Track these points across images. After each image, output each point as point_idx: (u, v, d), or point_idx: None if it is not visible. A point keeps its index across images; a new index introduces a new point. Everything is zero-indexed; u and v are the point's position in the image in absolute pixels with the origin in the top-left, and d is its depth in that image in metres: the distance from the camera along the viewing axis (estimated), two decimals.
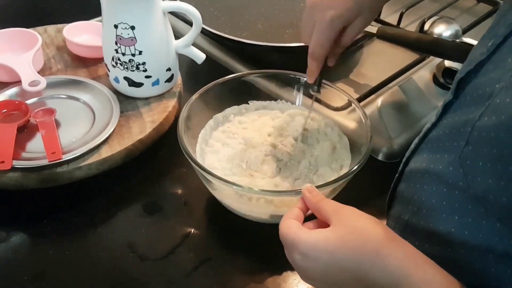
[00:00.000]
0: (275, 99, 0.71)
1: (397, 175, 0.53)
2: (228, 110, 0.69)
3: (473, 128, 0.38)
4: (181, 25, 0.88)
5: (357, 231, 0.40)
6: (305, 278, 0.43)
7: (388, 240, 0.40)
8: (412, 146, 0.50)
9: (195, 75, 0.84)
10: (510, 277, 0.37)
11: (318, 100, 0.69)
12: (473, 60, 0.43)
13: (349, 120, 0.66)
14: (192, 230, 0.61)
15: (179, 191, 0.65)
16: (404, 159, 0.52)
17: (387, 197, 0.55)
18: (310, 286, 0.54)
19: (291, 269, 0.54)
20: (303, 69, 0.66)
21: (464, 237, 0.39)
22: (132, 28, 0.64)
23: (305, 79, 0.67)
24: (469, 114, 0.40)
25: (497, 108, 0.36)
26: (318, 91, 0.65)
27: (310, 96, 0.70)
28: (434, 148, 0.45)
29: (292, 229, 0.42)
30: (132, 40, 0.65)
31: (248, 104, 0.70)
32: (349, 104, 0.65)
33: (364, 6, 0.58)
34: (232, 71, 0.78)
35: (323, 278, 0.41)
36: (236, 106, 0.69)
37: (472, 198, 0.39)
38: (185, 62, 0.82)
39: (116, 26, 0.65)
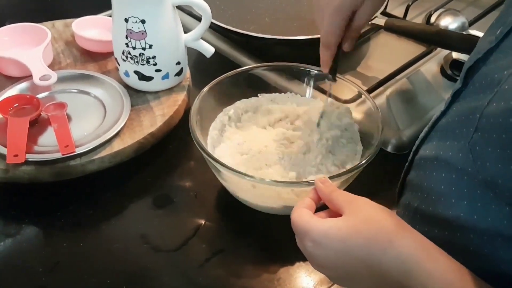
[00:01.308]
0: (284, 92, 0.71)
1: (407, 163, 0.53)
2: (238, 103, 0.69)
3: (482, 114, 0.39)
4: (188, 19, 0.89)
5: (370, 220, 0.41)
6: (317, 266, 0.44)
7: (400, 230, 0.40)
8: (422, 134, 0.51)
9: (203, 69, 0.84)
10: None
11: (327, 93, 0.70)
12: (482, 49, 0.43)
13: (358, 112, 0.66)
14: (204, 222, 0.61)
15: (190, 184, 0.66)
16: (414, 148, 0.52)
17: (398, 186, 0.55)
18: (322, 275, 0.55)
19: (303, 259, 0.55)
20: (311, 62, 0.67)
21: (472, 221, 0.40)
22: (143, 22, 0.65)
23: (315, 71, 0.68)
24: (478, 101, 0.40)
25: (505, 94, 0.37)
26: (334, 80, 0.64)
27: (320, 89, 0.70)
28: (443, 135, 0.46)
29: (304, 217, 0.43)
30: (142, 33, 0.66)
31: (258, 97, 0.70)
32: (358, 96, 0.66)
33: None
34: (239, 65, 0.78)
35: (334, 266, 0.42)
36: (245, 99, 0.69)
37: (481, 183, 0.39)
38: (193, 56, 0.82)
39: (126, 20, 0.65)
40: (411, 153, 0.52)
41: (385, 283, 0.40)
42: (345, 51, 0.62)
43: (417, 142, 0.52)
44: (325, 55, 0.61)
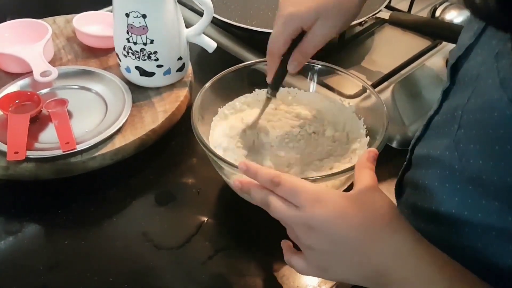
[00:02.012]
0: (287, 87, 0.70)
1: (405, 163, 0.53)
2: (240, 98, 0.68)
3: (463, 111, 0.40)
4: (189, 14, 0.88)
5: (368, 197, 0.42)
6: (313, 265, 0.44)
7: (399, 216, 0.41)
8: (417, 133, 0.51)
9: (205, 64, 0.83)
10: (510, 252, 0.38)
11: (331, 88, 0.69)
12: (462, 45, 0.44)
13: (363, 108, 0.65)
14: (206, 219, 0.60)
15: (192, 180, 0.65)
16: (410, 147, 0.52)
17: (395, 185, 0.55)
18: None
19: None
20: (314, 56, 0.66)
21: (464, 217, 0.40)
22: (144, 16, 0.64)
23: (318, 66, 0.67)
24: (460, 99, 0.41)
25: (481, 90, 0.38)
26: (273, 95, 0.61)
27: (324, 84, 0.69)
28: (435, 134, 0.46)
29: (285, 206, 0.43)
30: (143, 28, 0.65)
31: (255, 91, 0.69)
32: (363, 90, 0.65)
33: (326, 11, 0.54)
34: (242, 60, 0.77)
35: (329, 256, 0.41)
36: (248, 94, 0.69)
37: (468, 180, 0.39)
38: (195, 52, 0.81)
39: (127, 15, 0.64)
40: (409, 152, 0.52)
41: (366, 266, 0.40)
42: (289, 71, 0.59)
43: (413, 141, 0.52)
44: (268, 63, 0.59)
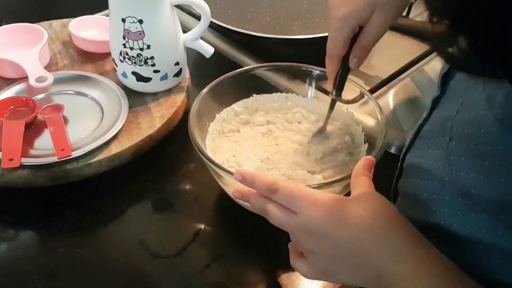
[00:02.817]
0: (286, 92, 0.70)
1: (397, 171, 0.53)
2: (238, 104, 0.68)
3: (453, 123, 0.40)
4: (187, 18, 0.87)
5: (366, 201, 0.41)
6: (316, 269, 0.43)
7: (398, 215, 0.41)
8: (407, 142, 0.51)
9: (202, 69, 0.83)
10: (500, 266, 0.38)
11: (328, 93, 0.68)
12: None
13: (361, 113, 0.65)
14: (204, 226, 0.60)
15: (190, 187, 0.65)
16: (401, 155, 0.52)
17: (392, 194, 0.55)
18: (325, 282, 0.54)
19: None
20: (313, 61, 0.65)
21: (453, 229, 0.40)
22: (140, 21, 0.63)
23: (317, 71, 0.66)
24: (449, 110, 0.41)
25: (469, 104, 0.38)
26: (337, 95, 0.60)
27: (322, 90, 0.69)
28: (426, 143, 0.46)
29: (283, 213, 0.43)
30: (140, 34, 0.64)
31: (253, 96, 0.68)
32: (361, 96, 0.64)
33: (379, 2, 0.54)
34: (240, 65, 0.77)
35: (331, 259, 0.41)
36: (245, 100, 0.68)
37: (458, 192, 0.39)
38: (192, 56, 0.81)
39: (123, 20, 0.64)
40: (400, 160, 0.52)
41: (367, 268, 0.40)
42: (352, 68, 0.59)
43: (403, 150, 0.52)
44: (328, 66, 0.59)
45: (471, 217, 0.38)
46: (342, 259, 0.40)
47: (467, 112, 0.37)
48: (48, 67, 0.75)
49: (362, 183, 0.44)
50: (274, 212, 0.43)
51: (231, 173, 0.51)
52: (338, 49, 0.57)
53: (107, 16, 0.73)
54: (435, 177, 0.42)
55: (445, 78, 0.45)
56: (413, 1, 0.84)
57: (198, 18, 0.71)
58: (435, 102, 0.46)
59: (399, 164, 0.52)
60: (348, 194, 0.56)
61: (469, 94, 0.38)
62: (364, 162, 0.46)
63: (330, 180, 0.54)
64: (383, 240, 0.39)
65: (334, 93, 0.60)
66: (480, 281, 0.38)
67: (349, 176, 0.51)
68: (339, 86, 0.60)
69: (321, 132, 0.62)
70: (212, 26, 0.79)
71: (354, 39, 0.56)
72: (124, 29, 0.65)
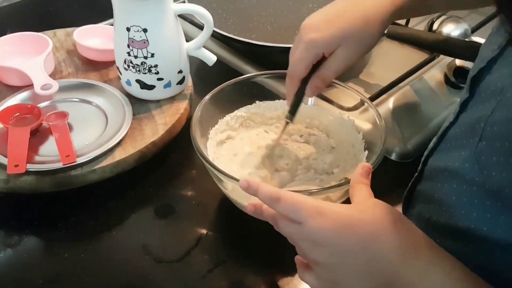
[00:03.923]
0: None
1: (416, 174, 0.53)
2: (239, 111, 0.69)
3: (486, 123, 0.39)
4: (190, 28, 0.89)
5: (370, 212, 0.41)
6: (324, 280, 0.43)
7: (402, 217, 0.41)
8: (431, 145, 0.51)
9: (205, 77, 0.84)
10: None
11: (330, 101, 0.69)
12: (485, 57, 0.43)
13: (361, 120, 0.66)
14: (206, 232, 0.60)
15: (192, 193, 0.65)
16: (423, 158, 0.52)
17: (404, 196, 0.55)
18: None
19: None
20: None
21: (483, 232, 0.39)
22: (145, 30, 0.65)
23: None
24: (482, 111, 0.40)
25: (507, 102, 0.37)
26: (290, 119, 0.60)
27: (322, 97, 0.70)
28: (452, 146, 0.46)
29: (288, 224, 0.43)
30: (144, 42, 0.65)
31: (256, 103, 0.69)
32: (361, 103, 0.65)
33: (347, 37, 0.55)
34: (241, 73, 0.78)
35: (337, 269, 0.41)
36: (247, 106, 0.69)
37: (489, 193, 0.39)
38: (194, 64, 0.82)
39: (128, 29, 0.65)
40: (421, 164, 0.52)
41: (375, 274, 0.39)
42: (306, 96, 0.59)
43: (426, 153, 0.51)
44: (288, 87, 0.60)
45: (501, 220, 0.38)
46: (349, 268, 0.40)
47: (505, 111, 0.37)
48: (52, 75, 0.76)
49: (361, 191, 0.44)
50: (281, 222, 0.44)
51: (233, 179, 0.52)
52: (299, 71, 0.57)
53: (111, 25, 0.75)
54: (463, 180, 0.41)
55: (474, 81, 0.45)
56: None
57: (200, 27, 0.72)
58: (463, 105, 0.46)
59: (419, 168, 0.52)
60: (346, 201, 0.56)
61: (508, 94, 0.37)
62: (361, 170, 0.46)
63: (328, 185, 0.54)
64: (389, 245, 0.39)
65: (287, 116, 0.61)
66: (507, 285, 0.38)
67: (347, 183, 0.52)
68: (293, 108, 0.60)
69: (271, 151, 0.63)
70: (215, 35, 0.80)
71: (317, 64, 0.57)
72: (129, 38, 0.66)
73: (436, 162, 0.48)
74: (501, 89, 0.38)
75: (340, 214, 0.41)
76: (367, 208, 0.41)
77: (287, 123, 0.62)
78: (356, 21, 0.55)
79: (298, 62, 0.57)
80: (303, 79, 0.58)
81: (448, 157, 0.45)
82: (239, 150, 0.64)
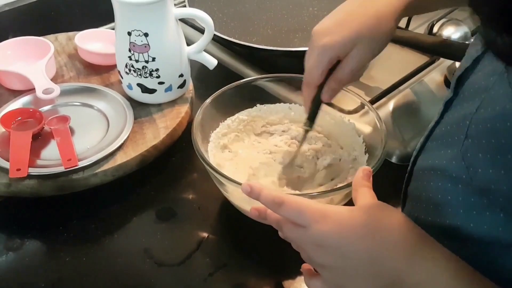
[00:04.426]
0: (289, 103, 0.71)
1: (406, 175, 0.53)
2: (240, 114, 0.69)
3: (471, 121, 0.39)
4: (191, 31, 0.89)
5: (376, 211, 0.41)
6: (330, 285, 0.43)
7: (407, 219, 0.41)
8: (418, 145, 0.51)
9: (206, 81, 0.84)
10: None
11: (331, 104, 0.70)
12: (469, 57, 0.44)
13: (362, 123, 0.66)
14: (207, 235, 0.61)
15: (193, 196, 0.66)
16: (412, 159, 0.52)
17: (401, 198, 0.55)
18: None
19: None
20: None
21: (469, 229, 0.40)
22: (146, 35, 0.65)
23: None
24: (467, 109, 0.41)
25: (492, 100, 0.38)
26: (309, 126, 0.60)
27: None
28: (438, 145, 0.46)
29: (292, 228, 0.43)
30: (145, 47, 0.66)
31: (257, 106, 0.70)
32: (361, 107, 0.65)
33: (361, 38, 0.54)
34: (242, 76, 0.78)
35: (344, 272, 0.41)
36: (248, 110, 0.69)
37: (475, 190, 0.39)
38: (195, 68, 0.82)
39: (129, 33, 0.65)
40: (410, 164, 0.52)
41: (382, 276, 0.39)
42: (323, 100, 0.59)
43: (414, 153, 0.52)
44: (304, 94, 0.59)
45: (486, 216, 0.38)
46: (355, 270, 0.40)
47: (490, 108, 0.37)
48: (54, 79, 0.76)
49: (364, 194, 0.44)
50: (285, 227, 0.44)
51: (234, 182, 0.52)
52: (316, 77, 0.57)
53: (112, 29, 0.75)
54: (449, 178, 0.42)
55: (459, 80, 0.45)
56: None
57: (201, 31, 0.72)
58: (447, 104, 0.46)
59: (408, 169, 0.52)
60: (347, 204, 0.57)
61: (492, 92, 0.38)
62: (362, 173, 0.46)
63: (329, 188, 0.54)
64: (394, 246, 0.39)
65: (306, 124, 0.60)
66: (496, 281, 0.38)
67: (348, 185, 0.52)
68: (312, 115, 0.60)
69: (292, 162, 0.63)
70: (215, 39, 0.80)
71: (332, 69, 0.56)
72: (130, 42, 0.66)
73: (424, 162, 0.48)
74: (485, 87, 0.39)
75: (344, 216, 0.41)
76: (370, 210, 0.41)
77: (307, 131, 0.61)
78: (368, 20, 0.55)
79: (313, 69, 0.56)
80: (319, 85, 0.58)
81: (435, 155, 0.45)
82: (241, 153, 0.64)
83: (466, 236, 0.40)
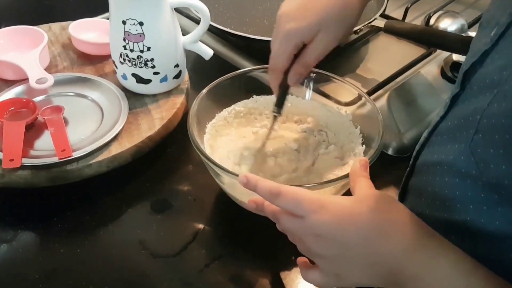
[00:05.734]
0: None
1: (408, 169, 0.53)
2: (236, 105, 0.68)
3: (482, 116, 0.39)
4: (186, 22, 0.88)
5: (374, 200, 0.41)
6: (328, 275, 0.43)
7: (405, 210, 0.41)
8: (422, 139, 0.51)
9: (202, 71, 0.83)
10: None
11: (327, 96, 0.69)
12: (477, 51, 0.43)
13: (359, 115, 0.65)
14: (203, 227, 0.60)
15: (189, 188, 0.65)
16: (414, 153, 0.52)
17: (399, 191, 0.55)
18: None
19: None
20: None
21: (480, 225, 0.39)
22: (141, 24, 0.64)
23: (313, 74, 0.67)
24: (477, 103, 0.40)
25: (506, 95, 0.37)
26: (278, 112, 0.60)
27: (319, 91, 0.70)
28: (444, 139, 0.45)
29: (289, 218, 0.43)
30: (140, 36, 0.65)
31: (253, 97, 0.69)
32: (358, 98, 0.65)
33: (327, 23, 0.54)
34: (238, 67, 0.78)
35: (342, 261, 0.41)
36: (244, 101, 0.69)
37: (485, 185, 0.39)
38: (191, 59, 0.81)
39: (124, 22, 0.64)
40: (412, 159, 0.52)
41: (380, 266, 0.39)
42: (289, 84, 0.59)
43: (417, 147, 0.51)
44: (271, 79, 0.59)
45: (498, 212, 0.38)
46: (352, 260, 0.40)
47: (504, 103, 0.37)
48: (48, 69, 0.75)
49: (362, 184, 0.44)
50: (282, 218, 0.43)
51: (230, 172, 0.52)
52: (281, 63, 0.57)
53: (107, 19, 0.74)
54: (457, 173, 0.41)
55: (466, 74, 0.44)
56: (409, 6, 0.86)
57: (197, 21, 0.72)
58: (454, 99, 0.46)
59: (410, 163, 0.52)
60: (345, 194, 0.56)
61: (505, 86, 0.37)
62: (359, 164, 0.46)
63: (326, 179, 0.54)
64: (393, 235, 0.39)
65: (275, 109, 0.60)
66: (506, 276, 0.38)
67: (345, 177, 0.52)
68: (280, 101, 0.60)
69: (261, 149, 0.62)
70: (211, 29, 0.80)
71: (297, 54, 0.56)
72: (125, 31, 0.65)
73: (428, 156, 0.48)
74: (498, 81, 0.38)
75: (341, 206, 0.41)
76: (368, 200, 0.41)
77: (275, 117, 0.61)
78: (334, 5, 0.55)
79: (279, 55, 0.56)
80: (286, 71, 0.57)
81: (441, 150, 0.45)
82: (234, 146, 0.64)
83: (476, 231, 0.40)
